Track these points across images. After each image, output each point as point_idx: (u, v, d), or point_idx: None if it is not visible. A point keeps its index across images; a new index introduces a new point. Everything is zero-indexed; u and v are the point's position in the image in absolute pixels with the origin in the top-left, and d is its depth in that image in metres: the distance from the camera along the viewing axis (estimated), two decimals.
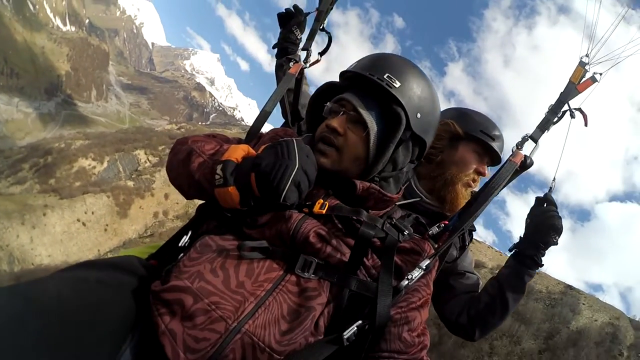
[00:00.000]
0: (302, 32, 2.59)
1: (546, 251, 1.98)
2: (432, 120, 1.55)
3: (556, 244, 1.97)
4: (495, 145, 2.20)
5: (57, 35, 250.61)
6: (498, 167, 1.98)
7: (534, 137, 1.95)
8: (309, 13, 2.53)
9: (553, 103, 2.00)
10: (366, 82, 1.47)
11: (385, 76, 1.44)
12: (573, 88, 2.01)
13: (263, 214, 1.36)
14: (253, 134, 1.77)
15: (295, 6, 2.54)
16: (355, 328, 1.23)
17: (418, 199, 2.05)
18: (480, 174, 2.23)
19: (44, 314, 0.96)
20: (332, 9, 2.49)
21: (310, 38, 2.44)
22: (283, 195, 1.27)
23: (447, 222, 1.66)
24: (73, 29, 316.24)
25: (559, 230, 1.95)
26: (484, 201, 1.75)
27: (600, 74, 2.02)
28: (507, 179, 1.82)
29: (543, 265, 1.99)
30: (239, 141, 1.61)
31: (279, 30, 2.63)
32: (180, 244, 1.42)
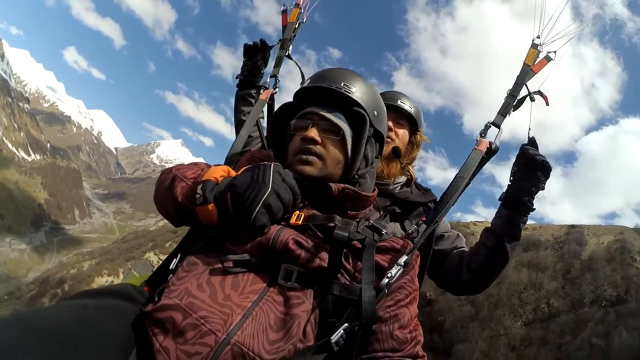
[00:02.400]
0: (266, 65, 2.64)
1: (536, 195, 1.95)
2: (384, 115, 1.68)
3: (544, 188, 1.93)
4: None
5: (25, 167, 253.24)
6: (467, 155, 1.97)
7: (496, 123, 2.01)
8: (273, 46, 2.59)
9: (511, 87, 2.06)
10: (324, 93, 1.57)
11: (342, 84, 1.55)
12: (528, 70, 2.06)
13: (244, 230, 1.37)
14: (231, 159, 1.92)
15: (262, 40, 2.60)
16: (342, 331, 1.27)
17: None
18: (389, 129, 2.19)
19: (45, 339, 0.98)
20: (295, 36, 2.60)
21: (277, 65, 2.51)
22: (253, 217, 1.30)
23: (424, 219, 1.73)
24: (38, 156, 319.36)
25: (547, 173, 1.89)
26: (454, 192, 1.82)
27: (555, 52, 2.09)
28: (474, 167, 1.90)
29: (535, 209, 1.96)
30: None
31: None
32: (170, 267, 1.48)
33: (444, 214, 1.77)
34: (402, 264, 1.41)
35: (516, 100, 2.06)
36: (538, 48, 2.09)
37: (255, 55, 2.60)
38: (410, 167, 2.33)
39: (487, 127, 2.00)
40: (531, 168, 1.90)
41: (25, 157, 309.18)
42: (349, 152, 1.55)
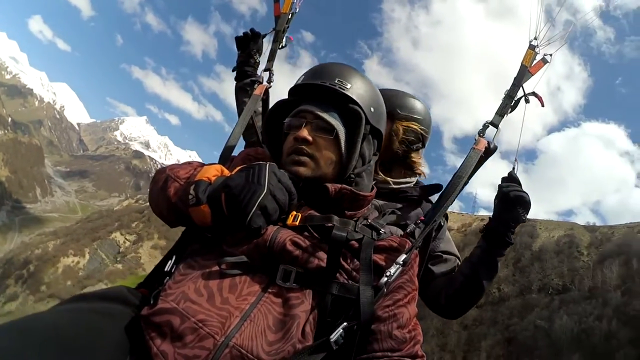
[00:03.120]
0: (260, 54, 2.58)
1: (515, 228, 1.98)
2: (382, 111, 1.63)
3: (524, 220, 1.94)
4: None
5: None
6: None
7: (494, 123, 2.00)
8: (265, 34, 2.54)
9: (509, 88, 2.06)
10: (318, 90, 1.52)
11: (336, 81, 1.49)
12: (526, 71, 2.06)
13: (239, 231, 1.34)
14: (225, 157, 1.87)
15: (252, 29, 2.55)
16: (342, 330, 1.26)
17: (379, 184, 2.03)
18: None
19: (41, 343, 0.98)
20: (288, 27, 2.53)
21: (271, 59, 2.46)
22: (248, 219, 1.28)
23: (423, 218, 1.71)
24: None
25: (526, 206, 1.91)
26: (453, 191, 1.81)
27: (550, 55, 2.09)
28: (473, 167, 1.89)
29: (513, 243, 2.00)
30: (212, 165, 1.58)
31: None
32: (166, 269, 1.47)
33: (443, 212, 1.79)
34: (401, 262, 1.41)
35: (513, 101, 2.08)
36: (535, 50, 2.11)
37: (248, 46, 2.60)
38: (415, 161, 2.30)
39: (485, 126, 2.02)
40: (509, 203, 1.93)
41: None
42: (344, 151, 1.51)
